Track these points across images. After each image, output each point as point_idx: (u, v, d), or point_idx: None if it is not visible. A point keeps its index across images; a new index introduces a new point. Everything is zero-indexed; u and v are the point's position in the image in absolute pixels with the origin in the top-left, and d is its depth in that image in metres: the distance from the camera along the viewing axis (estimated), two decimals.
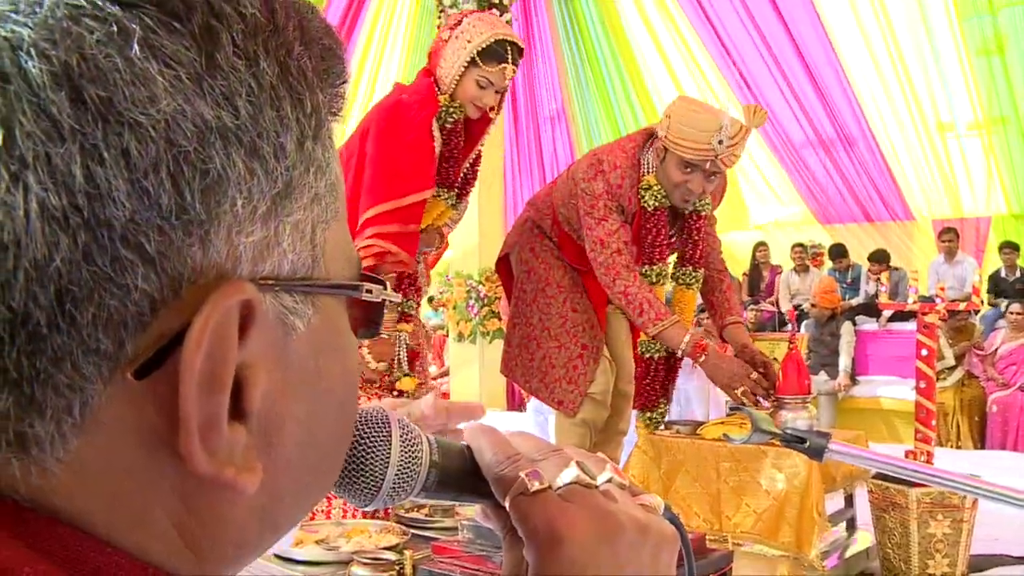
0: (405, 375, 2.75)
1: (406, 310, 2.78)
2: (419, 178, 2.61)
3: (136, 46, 0.31)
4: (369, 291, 0.42)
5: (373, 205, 2.56)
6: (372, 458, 0.53)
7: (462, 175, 2.88)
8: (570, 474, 0.51)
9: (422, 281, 2.93)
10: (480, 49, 2.64)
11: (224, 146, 0.33)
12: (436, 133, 2.70)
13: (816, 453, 0.95)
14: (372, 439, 0.53)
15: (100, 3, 0.31)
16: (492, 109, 2.77)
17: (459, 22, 2.71)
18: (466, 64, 2.65)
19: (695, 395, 6.17)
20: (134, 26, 0.31)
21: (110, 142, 0.30)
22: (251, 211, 0.34)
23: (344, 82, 0.40)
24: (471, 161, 2.92)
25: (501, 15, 2.79)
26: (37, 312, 0.30)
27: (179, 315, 0.33)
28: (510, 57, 2.68)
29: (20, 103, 0.29)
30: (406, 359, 2.76)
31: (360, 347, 2.66)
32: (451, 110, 2.70)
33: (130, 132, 0.31)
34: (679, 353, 2.86)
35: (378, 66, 8.55)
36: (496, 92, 2.71)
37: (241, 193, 0.34)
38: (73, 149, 0.30)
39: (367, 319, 0.44)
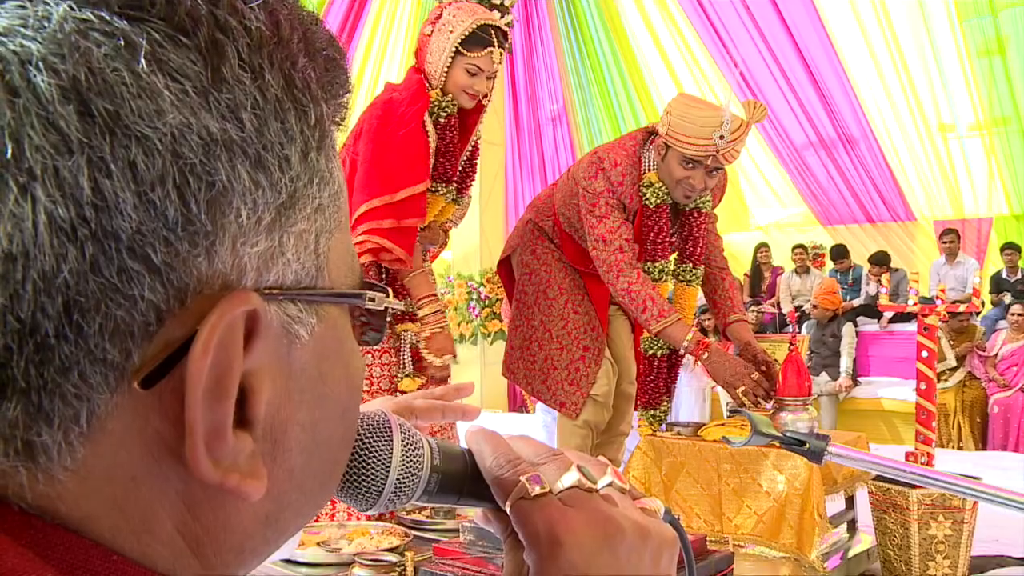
0: (406, 376, 2.75)
1: (410, 309, 2.77)
2: (411, 172, 2.60)
3: (143, 60, 0.31)
4: (372, 299, 0.42)
5: (365, 201, 2.56)
6: (374, 462, 0.53)
7: (460, 169, 2.88)
8: (571, 478, 0.51)
9: (430, 279, 2.92)
10: (463, 37, 2.64)
11: (229, 158, 0.33)
12: (430, 128, 2.69)
13: (815, 456, 0.96)
14: (374, 443, 0.54)
15: (108, 17, 0.31)
16: (486, 96, 2.77)
17: (439, 15, 2.70)
18: (452, 54, 2.65)
19: (688, 395, 6.17)
20: (141, 40, 0.31)
21: (117, 155, 0.31)
22: (256, 222, 0.35)
23: (347, 92, 0.41)
24: (468, 155, 2.92)
25: (502, 16, 2.78)
26: (45, 322, 0.31)
27: (185, 325, 0.33)
28: (495, 40, 2.67)
29: (29, 116, 0.30)
30: (410, 359, 2.76)
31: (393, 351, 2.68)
32: (443, 104, 2.69)
33: (137, 145, 0.31)
34: (682, 350, 2.87)
35: (378, 72, 8.56)
36: (487, 78, 2.71)
37: (246, 204, 0.34)
38: (81, 162, 0.30)
39: (370, 326, 0.44)
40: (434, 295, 2.77)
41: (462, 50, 2.65)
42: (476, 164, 2.99)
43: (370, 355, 2.69)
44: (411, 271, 2.70)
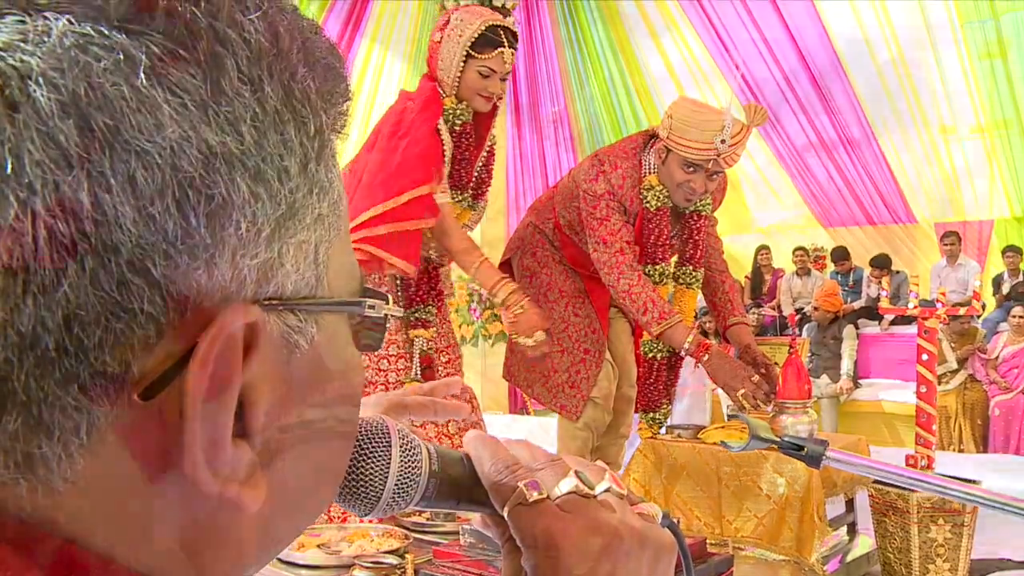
0: (411, 381, 2.74)
1: (423, 316, 2.76)
2: (414, 174, 2.59)
3: (143, 74, 0.31)
4: (371, 306, 0.42)
5: (366, 209, 2.55)
6: (372, 468, 0.54)
7: (476, 175, 2.87)
8: (568, 484, 0.51)
9: (444, 285, 2.90)
10: (473, 40, 2.64)
11: (229, 171, 0.33)
12: (445, 136, 2.69)
13: (814, 461, 0.96)
14: (372, 450, 0.54)
15: (107, 32, 0.31)
16: (500, 98, 2.77)
17: (447, 21, 2.70)
18: (464, 58, 2.65)
19: (689, 398, 6.16)
20: (140, 54, 0.32)
21: (117, 169, 0.31)
22: (255, 234, 0.35)
23: (347, 100, 0.41)
24: (483, 159, 2.91)
25: (504, 18, 2.78)
26: (45, 336, 0.31)
27: (184, 337, 0.33)
28: (505, 41, 2.67)
29: (29, 131, 0.30)
30: (419, 366, 2.75)
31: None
32: (458, 111, 2.69)
33: (137, 159, 0.31)
34: (682, 352, 2.87)
35: (378, 78, 8.55)
36: (500, 79, 2.70)
37: (245, 217, 0.34)
38: (81, 176, 0.30)
39: (369, 333, 0.44)
40: (505, 277, 2.74)
41: (473, 53, 2.65)
42: (492, 169, 2.97)
43: (386, 360, 2.69)
44: (473, 262, 2.68)
